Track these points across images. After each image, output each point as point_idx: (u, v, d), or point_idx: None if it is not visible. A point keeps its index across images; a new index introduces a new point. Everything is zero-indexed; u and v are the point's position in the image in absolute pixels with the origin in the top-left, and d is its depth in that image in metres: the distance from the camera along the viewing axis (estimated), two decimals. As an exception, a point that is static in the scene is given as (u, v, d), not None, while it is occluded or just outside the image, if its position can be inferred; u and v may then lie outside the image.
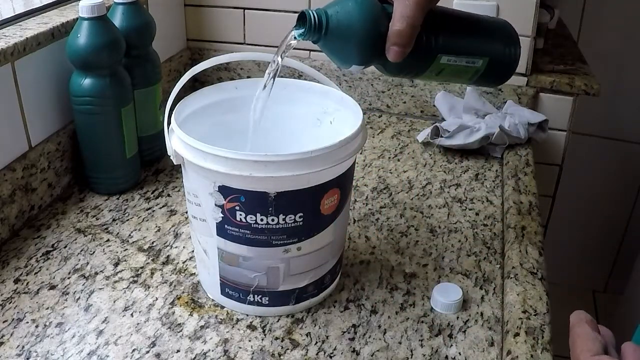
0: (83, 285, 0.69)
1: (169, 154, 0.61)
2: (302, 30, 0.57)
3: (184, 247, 0.77)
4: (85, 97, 0.80)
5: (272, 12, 1.16)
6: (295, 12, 1.13)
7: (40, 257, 0.74)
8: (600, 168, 1.75)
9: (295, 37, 0.58)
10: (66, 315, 0.65)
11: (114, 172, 0.87)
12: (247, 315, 0.65)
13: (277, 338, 0.63)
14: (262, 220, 0.58)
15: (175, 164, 0.61)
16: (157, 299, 0.67)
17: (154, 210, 0.84)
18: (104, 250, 0.75)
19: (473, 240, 0.80)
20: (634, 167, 1.74)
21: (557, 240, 1.56)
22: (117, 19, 0.86)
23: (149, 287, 0.69)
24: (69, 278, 0.70)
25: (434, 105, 1.13)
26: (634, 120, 1.68)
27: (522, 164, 0.96)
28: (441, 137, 1.02)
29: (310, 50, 1.17)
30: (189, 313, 0.66)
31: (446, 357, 0.61)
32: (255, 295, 0.64)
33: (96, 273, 0.71)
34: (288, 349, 0.61)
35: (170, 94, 0.61)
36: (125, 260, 0.74)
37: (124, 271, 0.72)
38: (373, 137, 1.08)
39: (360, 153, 1.00)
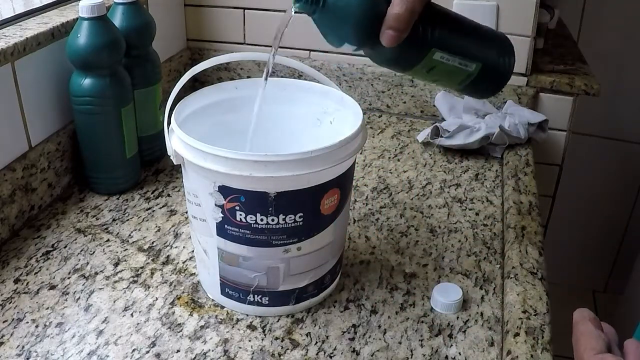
0: (83, 285, 0.69)
1: (169, 154, 0.61)
2: (301, 1, 0.56)
3: (184, 247, 0.77)
4: (85, 97, 0.80)
5: (272, 12, 1.16)
6: (295, 12, 1.13)
7: (40, 257, 0.74)
8: (600, 168, 1.75)
9: (293, 8, 0.57)
10: (66, 315, 0.65)
11: (114, 172, 0.87)
12: (247, 315, 0.65)
13: (277, 338, 0.63)
14: (262, 220, 0.58)
15: (175, 164, 0.61)
16: (157, 299, 0.67)
17: (154, 210, 0.84)
18: (104, 250, 0.75)
19: (473, 240, 0.80)
20: (634, 167, 1.74)
21: (557, 240, 1.56)
22: (117, 19, 0.86)
23: (149, 287, 0.69)
24: (69, 278, 0.70)
25: (434, 105, 1.13)
26: (634, 120, 1.68)
27: (522, 164, 0.96)
28: (441, 137, 1.02)
29: (310, 50, 1.17)
30: (189, 313, 0.66)
31: (446, 357, 0.61)
32: (255, 295, 0.64)
33: (96, 273, 0.71)
34: (288, 349, 0.61)
35: (170, 94, 0.61)
36: (125, 260, 0.74)
37: (124, 271, 0.72)
38: (373, 137, 1.08)
39: (360, 153, 1.00)
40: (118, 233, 0.79)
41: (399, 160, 1.00)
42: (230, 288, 0.64)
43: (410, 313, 0.66)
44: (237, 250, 0.61)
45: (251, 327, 0.64)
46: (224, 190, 0.57)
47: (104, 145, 0.84)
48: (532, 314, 0.63)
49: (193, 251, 0.73)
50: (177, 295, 0.68)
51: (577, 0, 1.56)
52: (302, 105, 0.72)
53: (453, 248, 0.78)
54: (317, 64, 1.16)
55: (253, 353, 0.61)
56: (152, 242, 0.77)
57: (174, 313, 0.65)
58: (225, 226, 0.59)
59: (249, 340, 0.62)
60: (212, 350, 0.60)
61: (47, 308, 0.66)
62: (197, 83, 1.23)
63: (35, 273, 0.71)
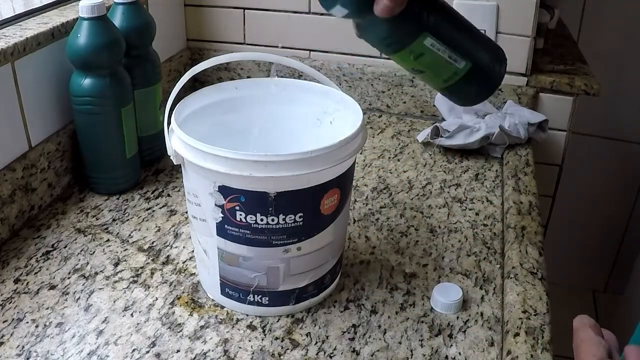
0: (83, 285, 0.69)
1: (169, 154, 0.61)
2: None
3: (184, 247, 0.77)
4: (85, 97, 0.80)
5: (272, 12, 1.16)
6: (295, 12, 1.13)
7: (40, 257, 0.74)
8: (600, 168, 1.75)
9: None
10: (66, 315, 0.65)
11: (114, 172, 0.87)
12: (247, 315, 0.65)
13: (277, 338, 0.63)
14: (262, 220, 0.58)
15: (175, 164, 0.61)
16: (157, 299, 0.67)
17: (154, 210, 0.84)
18: (104, 250, 0.75)
19: (473, 240, 0.80)
20: (634, 167, 1.74)
21: (557, 240, 1.56)
22: (117, 19, 0.86)
23: (149, 287, 0.69)
24: (69, 278, 0.70)
25: (434, 105, 1.13)
26: (634, 120, 1.68)
27: (522, 164, 0.97)
28: (441, 137, 1.02)
29: (310, 50, 1.17)
30: (189, 313, 0.66)
31: (446, 357, 0.61)
32: (255, 295, 0.64)
33: (96, 273, 0.71)
34: (288, 349, 0.61)
35: (170, 94, 0.61)
36: (125, 260, 0.74)
37: (124, 271, 0.72)
38: (373, 137, 1.08)
39: (360, 153, 1.00)
40: (118, 233, 0.79)
41: (399, 160, 1.00)
42: (230, 288, 0.64)
43: (410, 313, 0.66)
44: (237, 250, 0.61)
45: (251, 327, 0.64)
46: (224, 190, 0.57)
47: (104, 145, 0.84)
48: (532, 314, 0.63)
49: (193, 251, 0.73)
50: (177, 295, 0.68)
51: (577, 0, 1.56)
52: (302, 105, 0.72)
53: (453, 248, 0.78)
54: (317, 64, 1.16)
55: (253, 353, 0.61)
56: (152, 242, 0.77)
57: (174, 313, 0.65)
58: (225, 226, 0.59)
59: (249, 340, 0.62)
60: (212, 350, 0.60)
61: (47, 308, 0.65)
62: (197, 83, 1.23)
63: (35, 273, 0.71)
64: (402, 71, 1.12)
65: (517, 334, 0.61)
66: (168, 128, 0.62)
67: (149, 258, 0.74)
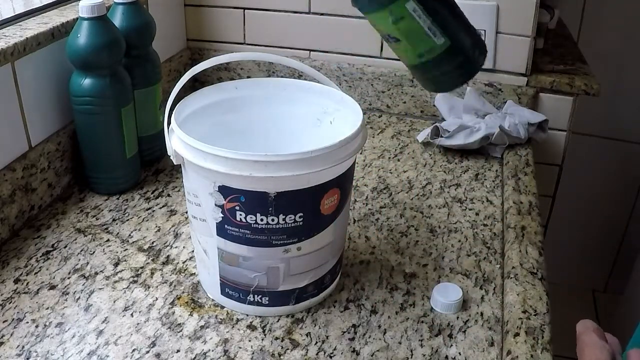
0: (83, 285, 0.69)
1: (169, 154, 0.61)
2: None
3: (184, 247, 0.77)
4: (85, 97, 0.80)
5: (272, 12, 1.16)
6: (295, 12, 1.13)
7: (40, 257, 0.74)
8: (600, 168, 1.75)
9: None
10: (66, 315, 0.65)
11: (114, 172, 0.87)
12: (247, 315, 0.65)
13: (277, 338, 0.63)
14: (262, 220, 0.58)
15: (175, 164, 0.61)
16: (157, 299, 0.67)
17: (154, 210, 0.84)
18: (104, 250, 0.75)
19: (473, 240, 0.80)
20: (634, 167, 1.74)
21: (557, 240, 1.56)
22: (117, 19, 0.86)
23: (149, 287, 0.69)
24: (69, 278, 0.70)
25: (434, 105, 1.13)
26: (634, 120, 1.68)
27: (522, 164, 0.97)
28: (441, 137, 1.02)
29: (310, 50, 1.17)
30: (189, 313, 0.66)
31: (446, 357, 0.61)
32: (255, 295, 0.64)
33: (96, 273, 0.71)
34: (288, 349, 0.61)
35: (170, 94, 0.61)
36: (125, 260, 0.74)
37: (124, 271, 0.72)
38: (373, 137, 1.08)
39: (360, 153, 1.00)
40: (118, 233, 0.79)
41: (399, 160, 1.00)
42: (230, 288, 0.64)
43: (410, 313, 0.66)
44: (237, 250, 0.61)
45: (251, 327, 0.64)
46: (224, 190, 0.57)
47: (104, 145, 0.84)
48: (532, 314, 0.63)
49: (193, 251, 0.73)
50: (177, 295, 0.68)
51: (577, 0, 1.56)
52: (302, 105, 0.72)
53: (453, 248, 0.78)
54: (317, 64, 1.16)
55: (253, 353, 0.61)
56: (152, 242, 0.77)
57: (174, 313, 0.65)
58: (225, 226, 0.59)
59: (249, 340, 0.62)
60: (212, 350, 0.60)
61: (47, 308, 0.65)
62: (197, 83, 1.23)
63: (35, 273, 0.71)
64: (402, 71, 1.12)
65: (517, 334, 0.61)
66: (168, 128, 0.62)
67: (149, 258, 0.74)
